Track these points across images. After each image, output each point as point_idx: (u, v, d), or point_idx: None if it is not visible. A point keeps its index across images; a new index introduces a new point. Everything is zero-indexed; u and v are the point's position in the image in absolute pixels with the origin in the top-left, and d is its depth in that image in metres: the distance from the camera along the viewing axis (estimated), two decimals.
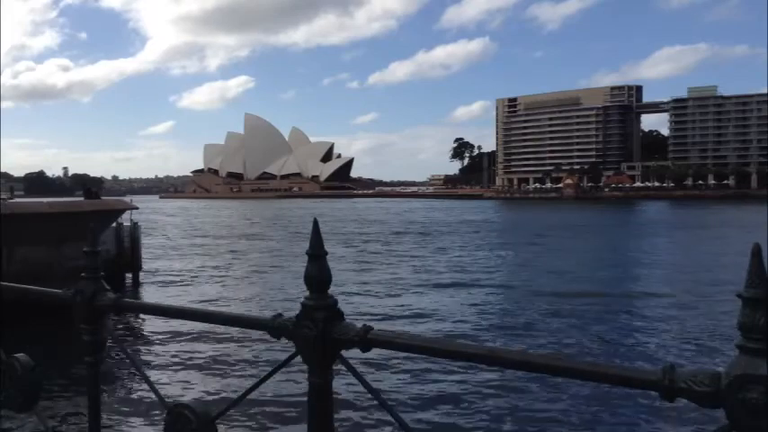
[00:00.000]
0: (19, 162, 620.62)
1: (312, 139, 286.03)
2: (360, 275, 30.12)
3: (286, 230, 64.95)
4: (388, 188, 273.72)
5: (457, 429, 10.79)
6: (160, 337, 17.29)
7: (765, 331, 1.02)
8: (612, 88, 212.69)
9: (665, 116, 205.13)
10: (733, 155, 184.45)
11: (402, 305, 22.68)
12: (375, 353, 1.42)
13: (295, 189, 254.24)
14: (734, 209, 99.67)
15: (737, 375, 1.02)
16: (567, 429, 10.81)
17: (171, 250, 44.28)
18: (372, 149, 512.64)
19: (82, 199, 27.00)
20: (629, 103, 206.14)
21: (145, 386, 11.91)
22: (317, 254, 1.46)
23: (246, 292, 26.37)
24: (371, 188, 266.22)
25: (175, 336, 17.02)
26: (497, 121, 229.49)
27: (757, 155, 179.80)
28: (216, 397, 12.06)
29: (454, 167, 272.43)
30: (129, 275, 27.99)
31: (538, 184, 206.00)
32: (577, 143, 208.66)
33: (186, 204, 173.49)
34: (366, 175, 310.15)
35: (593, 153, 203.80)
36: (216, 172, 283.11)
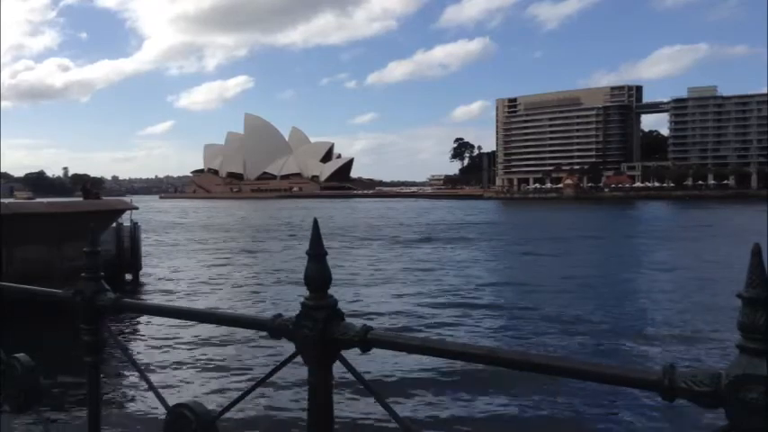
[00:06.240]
0: (19, 162, 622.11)
1: (312, 139, 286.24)
2: (359, 276, 30.10)
3: (286, 230, 64.90)
4: (388, 188, 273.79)
5: (457, 429, 10.78)
6: (160, 337, 17.27)
7: (765, 331, 1.02)
8: (612, 88, 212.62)
9: (665, 116, 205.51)
10: (733, 155, 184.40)
11: (402, 306, 22.65)
12: (375, 353, 1.42)
13: (295, 189, 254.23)
14: (735, 209, 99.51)
15: (737, 375, 1.02)
16: (566, 429, 10.80)
17: (171, 250, 44.26)
18: (372, 149, 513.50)
19: (81, 199, 26.97)
20: (629, 103, 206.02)
21: (145, 386, 11.88)
22: (316, 254, 1.46)
23: (247, 292, 26.32)
24: (371, 188, 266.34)
25: (175, 336, 17.01)
26: (497, 122, 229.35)
27: (757, 155, 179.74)
28: (216, 397, 12.05)
29: (454, 167, 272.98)
30: (129, 275, 27.99)
31: (538, 185, 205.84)
32: (577, 143, 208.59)
33: (186, 204, 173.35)
34: (366, 175, 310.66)
35: (593, 153, 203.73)
36: (216, 172, 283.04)
